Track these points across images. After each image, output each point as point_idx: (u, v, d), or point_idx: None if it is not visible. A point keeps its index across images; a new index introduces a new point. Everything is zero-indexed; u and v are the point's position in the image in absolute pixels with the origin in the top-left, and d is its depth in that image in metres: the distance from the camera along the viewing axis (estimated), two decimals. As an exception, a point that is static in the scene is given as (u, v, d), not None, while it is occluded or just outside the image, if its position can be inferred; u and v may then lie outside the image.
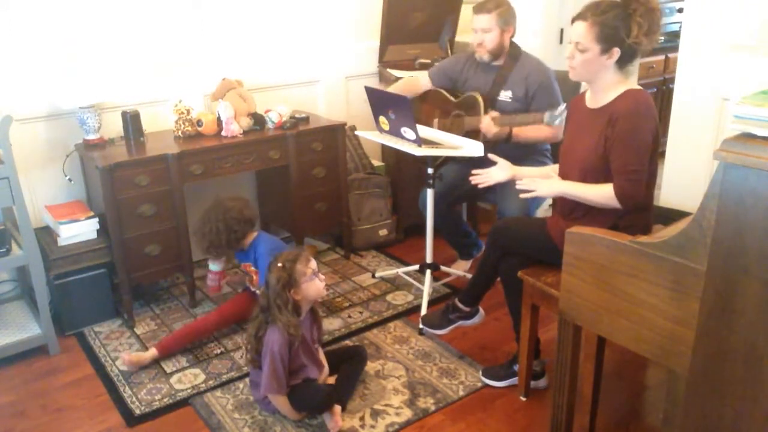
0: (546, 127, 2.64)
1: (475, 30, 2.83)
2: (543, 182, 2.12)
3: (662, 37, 4.93)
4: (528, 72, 2.82)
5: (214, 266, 2.83)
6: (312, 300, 2.24)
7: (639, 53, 1.97)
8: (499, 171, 2.31)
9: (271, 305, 2.16)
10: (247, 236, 2.73)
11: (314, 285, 2.19)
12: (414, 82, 3.14)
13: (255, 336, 2.21)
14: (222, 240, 2.66)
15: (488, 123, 2.71)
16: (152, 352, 2.57)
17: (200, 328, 2.69)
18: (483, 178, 2.34)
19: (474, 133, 2.81)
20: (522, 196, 2.17)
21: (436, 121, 3.09)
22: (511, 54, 2.86)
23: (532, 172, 2.32)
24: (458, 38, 3.79)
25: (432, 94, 3.10)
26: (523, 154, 2.81)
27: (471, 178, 2.38)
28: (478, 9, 2.80)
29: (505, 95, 2.86)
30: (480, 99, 2.83)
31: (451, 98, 3.01)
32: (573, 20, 1.99)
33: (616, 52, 1.93)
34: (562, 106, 2.44)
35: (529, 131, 2.76)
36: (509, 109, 2.82)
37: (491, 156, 2.39)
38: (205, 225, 2.68)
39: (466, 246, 3.29)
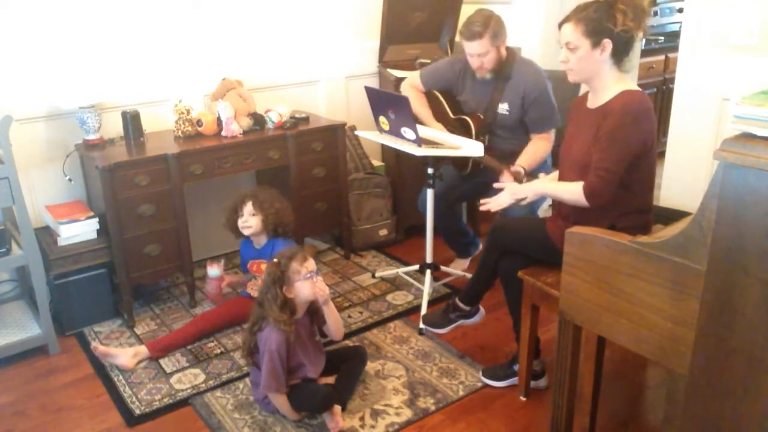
0: (544, 142, 2.74)
1: (470, 55, 2.76)
2: (524, 185, 2.15)
3: (662, 37, 4.93)
4: (524, 84, 2.76)
5: (213, 272, 2.75)
6: (306, 300, 2.22)
7: (633, 42, 1.96)
8: (505, 195, 2.25)
9: (262, 300, 2.16)
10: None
11: (308, 285, 2.17)
12: (414, 83, 3.07)
13: (250, 330, 2.21)
14: (271, 223, 2.69)
15: (506, 177, 2.58)
16: (136, 349, 2.57)
17: (189, 334, 2.70)
18: (492, 205, 2.27)
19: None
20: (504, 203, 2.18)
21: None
22: (507, 62, 2.80)
23: (535, 184, 2.27)
24: (458, 38, 3.78)
25: (433, 99, 3.03)
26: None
27: (481, 207, 2.32)
28: (469, 36, 2.69)
29: (503, 108, 2.83)
30: (472, 125, 2.83)
31: (450, 113, 2.97)
32: (559, 26, 2.02)
33: (608, 44, 1.93)
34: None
35: (534, 162, 2.75)
36: (507, 122, 2.83)
37: (496, 185, 2.36)
38: (275, 203, 2.71)
39: (464, 245, 3.29)
